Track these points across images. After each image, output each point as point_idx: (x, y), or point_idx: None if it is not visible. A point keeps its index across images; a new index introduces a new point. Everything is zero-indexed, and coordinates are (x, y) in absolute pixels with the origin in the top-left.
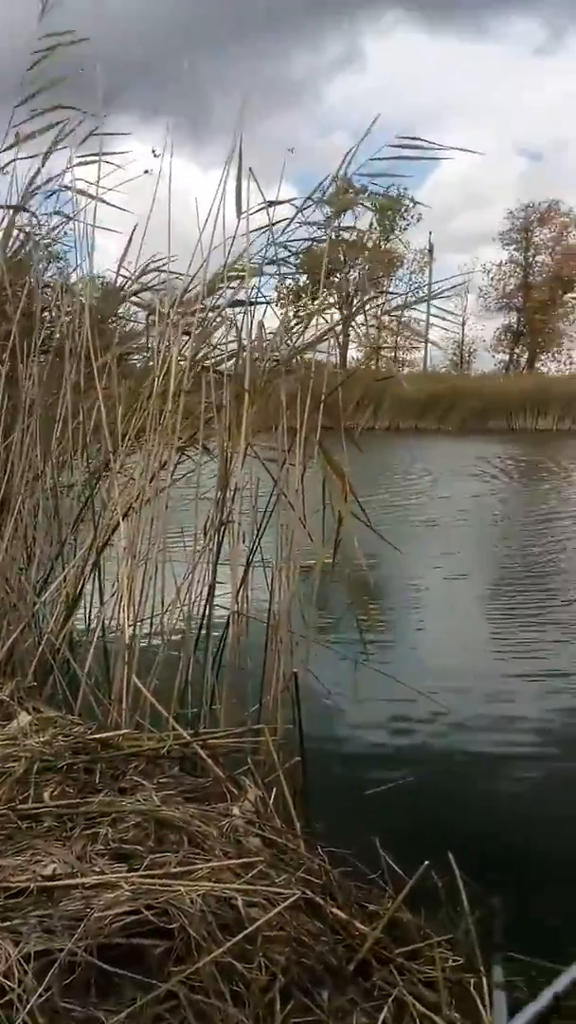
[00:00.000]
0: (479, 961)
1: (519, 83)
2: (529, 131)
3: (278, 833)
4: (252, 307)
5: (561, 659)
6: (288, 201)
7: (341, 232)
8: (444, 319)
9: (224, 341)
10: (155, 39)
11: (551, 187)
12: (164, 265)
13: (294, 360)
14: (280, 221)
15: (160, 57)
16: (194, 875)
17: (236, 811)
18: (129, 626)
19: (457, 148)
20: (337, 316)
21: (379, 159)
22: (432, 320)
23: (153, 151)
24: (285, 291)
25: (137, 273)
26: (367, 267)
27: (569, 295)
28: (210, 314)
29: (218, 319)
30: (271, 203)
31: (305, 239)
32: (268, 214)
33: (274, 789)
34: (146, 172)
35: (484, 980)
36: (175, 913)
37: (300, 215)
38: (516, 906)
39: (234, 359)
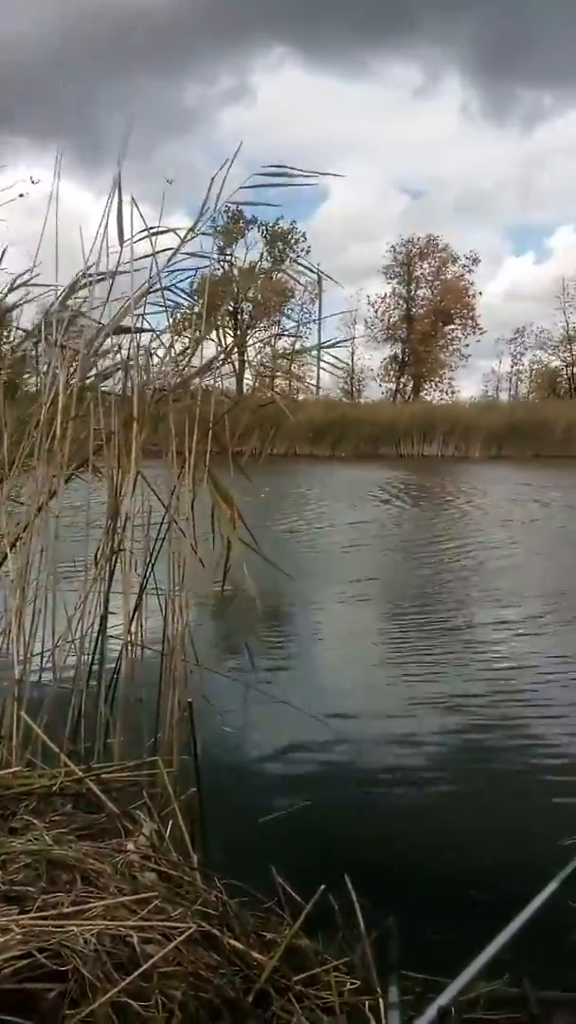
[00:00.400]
0: (375, 983)
1: (400, 123)
2: (410, 169)
3: (174, 866)
4: (139, 334)
5: (456, 682)
6: (171, 230)
7: (230, 261)
8: (335, 367)
9: (112, 368)
10: (47, 65)
11: (431, 223)
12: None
13: (183, 387)
14: (165, 250)
15: (52, 83)
16: (88, 914)
17: (131, 846)
18: (19, 661)
19: (320, 172)
20: (229, 342)
21: (249, 187)
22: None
23: (31, 178)
24: (178, 318)
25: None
26: (259, 296)
27: (449, 327)
28: (96, 340)
29: (104, 345)
30: (152, 231)
31: (193, 267)
32: (151, 242)
33: (170, 822)
34: (21, 196)
35: (380, 1001)
36: (68, 955)
37: (187, 243)
38: (411, 925)
39: (122, 386)
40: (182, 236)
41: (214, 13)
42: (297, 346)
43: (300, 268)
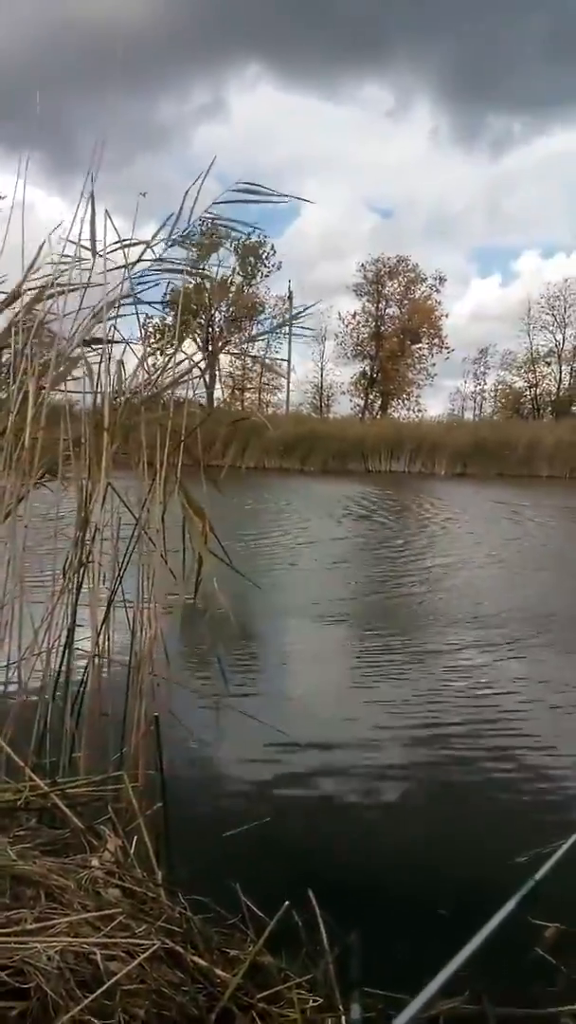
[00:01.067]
0: (338, 1000)
1: (372, 144)
2: (381, 189)
3: (138, 883)
4: (110, 345)
5: (425, 700)
6: (144, 243)
7: (204, 274)
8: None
9: (82, 377)
10: (21, 78)
11: (400, 243)
12: None
13: (154, 398)
14: (136, 262)
15: (26, 95)
16: (51, 931)
17: (95, 862)
18: None
19: (291, 196)
20: (199, 355)
21: (222, 202)
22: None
23: None
24: (151, 329)
25: None
26: (231, 309)
27: (417, 346)
28: (67, 350)
29: (75, 355)
30: (125, 243)
31: (164, 279)
32: (124, 254)
33: (135, 837)
34: None
35: (343, 1019)
36: (31, 972)
37: (160, 254)
38: (375, 941)
39: (93, 396)
40: (149, 242)
41: (190, 29)
42: (267, 359)
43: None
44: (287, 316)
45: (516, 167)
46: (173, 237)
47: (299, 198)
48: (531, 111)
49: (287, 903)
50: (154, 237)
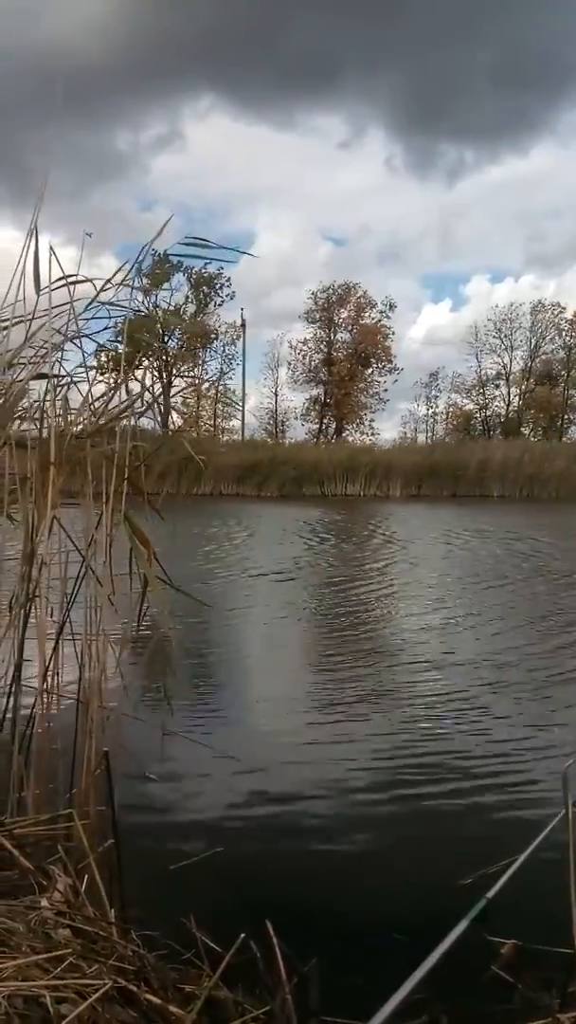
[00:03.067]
0: None
1: (325, 172)
2: (335, 217)
3: (90, 922)
4: (56, 379)
5: (380, 728)
6: (88, 280)
7: (151, 308)
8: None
9: (28, 413)
10: None
11: (354, 270)
12: None
13: (101, 432)
14: (82, 299)
15: None
16: None
17: (45, 903)
18: None
19: (239, 250)
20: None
21: (174, 255)
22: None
23: None
24: (104, 359)
25: None
26: (184, 338)
27: (368, 370)
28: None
29: (19, 391)
30: (68, 280)
31: (112, 316)
32: (69, 290)
33: (86, 876)
34: None
35: None
36: None
37: (107, 290)
38: (333, 969)
39: (38, 430)
40: (99, 287)
41: (144, 60)
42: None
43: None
44: (238, 344)
45: (469, 194)
46: (124, 276)
47: (246, 252)
48: (482, 139)
49: (243, 935)
50: (108, 281)
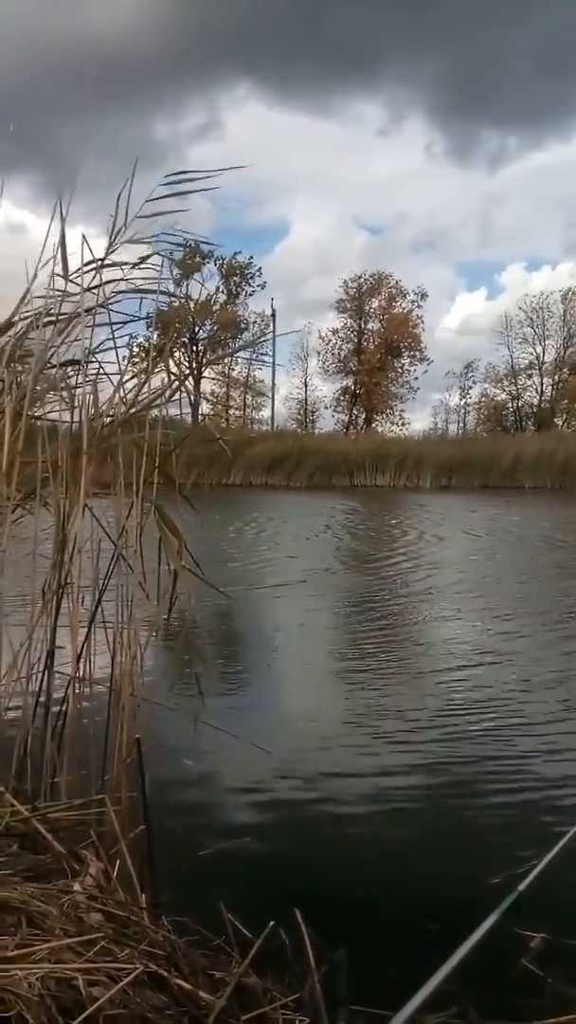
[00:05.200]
0: (324, 1018)
1: (363, 159)
2: (371, 206)
3: (121, 907)
4: (86, 365)
5: (411, 718)
6: (117, 264)
7: (177, 296)
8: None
9: (61, 399)
10: (13, 98)
11: (390, 259)
12: None
13: (133, 419)
14: (110, 281)
15: (17, 116)
16: (33, 957)
17: (77, 887)
18: None
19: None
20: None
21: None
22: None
23: None
24: (136, 348)
25: None
26: (215, 328)
27: (398, 360)
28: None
29: (53, 376)
30: (98, 263)
31: (144, 298)
32: (100, 276)
33: (118, 861)
34: None
35: None
36: (12, 1000)
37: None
38: (362, 958)
39: (71, 417)
40: (126, 269)
41: (183, 48)
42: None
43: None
44: (267, 336)
45: (510, 181)
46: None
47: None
48: (525, 125)
49: (272, 923)
50: (139, 261)
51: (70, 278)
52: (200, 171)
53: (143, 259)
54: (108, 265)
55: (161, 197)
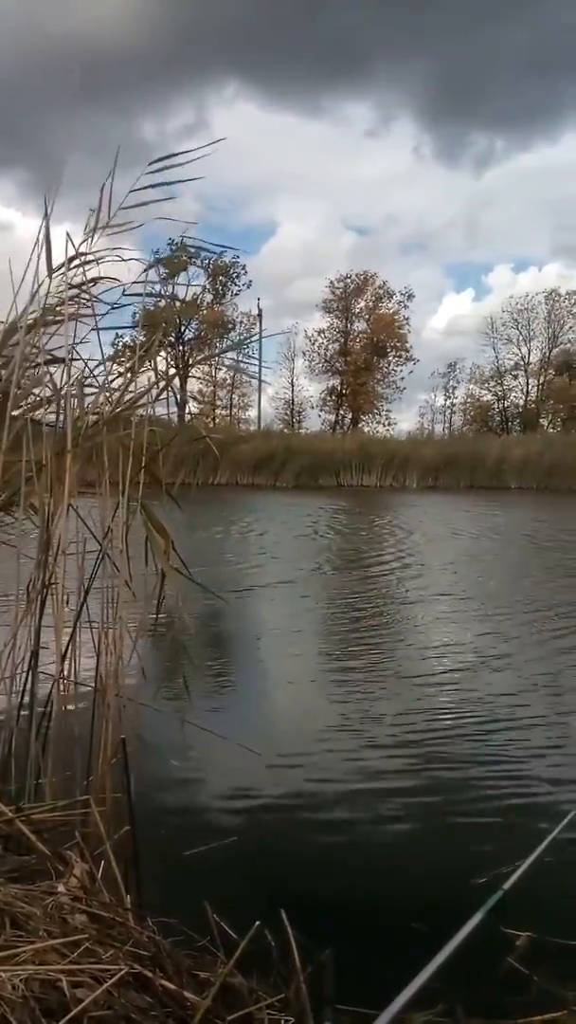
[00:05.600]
0: (310, 1018)
1: (351, 161)
2: (359, 207)
3: (106, 907)
4: (70, 363)
5: (397, 719)
6: (96, 260)
7: (170, 297)
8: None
9: (45, 398)
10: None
11: (377, 260)
12: None
13: (118, 418)
14: (101, 278)
15: (4, 114)
16: (16, 959)
17: (62, 888)
18: None
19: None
20: (170, 372)
21: (140, 188)
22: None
23: None
24: (120, 347)
25: None
26: (202, 327)
27: (383, 361)
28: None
29: (35, 374)
30: (82, 259)
31: (130, 302)
32: (83, 272)
33: (103, 862)
34: None
35: None
36: None
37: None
38: (347, 957)
39: (55, 416)
40: (108, 262)
41: (172, 47)
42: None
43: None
44: (254, 335)
45: (498, 183)
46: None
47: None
48: (514, 127)
49: (258, 923)
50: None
51: (54, 275)
52: (184, 152)
53: (129, 258)
54: (92, 260)
55: (145, 187)
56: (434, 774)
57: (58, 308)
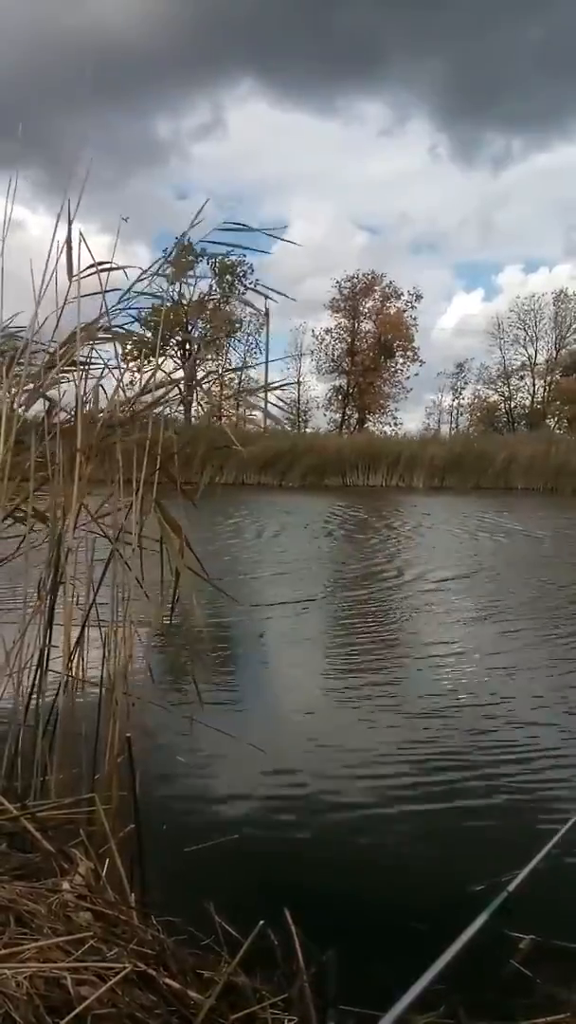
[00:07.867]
0: (313, 1019)
1: (364, 160)
2: (372, 206)
3: (110, 905)
4: (88, 368)
5: (403, 717)
6: (120, 267)
7: (179, 299)
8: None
9: (59, 400)
10: (15, 96)
11: (388, 259)
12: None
13: (131, 421)
14: (115, 290)
15: (19, 114)
16: (20, 956)
17: (66, 886)
18: None
19: (276, 235)
20: (179, 374)
21: (210, 242)
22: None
23: None
24: (128, 348)
25: None
26: (208, 328)
27: (390, 360)
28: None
29: (53, 379)
30: (100, 267)
31: (143, 306)
32: (100, 279)
33: (107, 860)
34: None
35: None
36: (0, 999)
37: (140, 279)
38: (351, 958)
39: (69, 417)
40: (131, 276)
41: (187, 45)
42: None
43: (249, 297)
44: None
45: (514, 182)
46: (156, 267)
47: (287, 240)
48: (531, 127)
49: (262, 922)
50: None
51: (74, 278)
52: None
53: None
54: (113, 268)
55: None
56: (440, 776)
57: (81, 328)
